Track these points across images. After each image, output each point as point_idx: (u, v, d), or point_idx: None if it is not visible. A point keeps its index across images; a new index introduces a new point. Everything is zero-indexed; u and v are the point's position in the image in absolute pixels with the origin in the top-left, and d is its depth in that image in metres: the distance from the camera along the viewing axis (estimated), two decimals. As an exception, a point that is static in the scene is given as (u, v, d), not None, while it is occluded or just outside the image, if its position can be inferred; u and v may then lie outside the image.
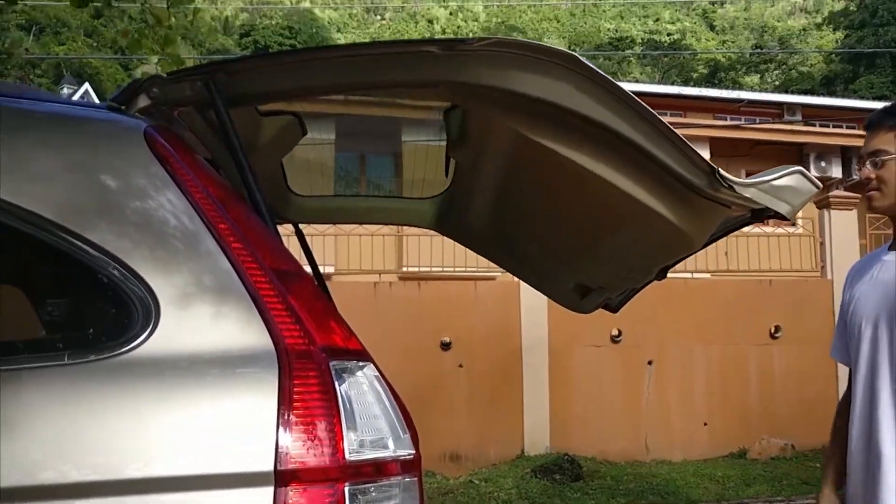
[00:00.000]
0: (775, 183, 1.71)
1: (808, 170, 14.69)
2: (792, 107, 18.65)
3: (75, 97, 25.60)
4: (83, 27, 32.09)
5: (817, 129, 16.38)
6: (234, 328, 1.16)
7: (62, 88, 26.25)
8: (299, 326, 1.18)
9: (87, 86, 26.18)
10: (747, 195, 1.69)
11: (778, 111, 18.49)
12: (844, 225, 9.32)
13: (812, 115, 18.23)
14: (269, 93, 1.68)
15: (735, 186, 1.67)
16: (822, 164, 14.88)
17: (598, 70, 1.55)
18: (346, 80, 1.63)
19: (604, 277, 2.50)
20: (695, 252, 2.06)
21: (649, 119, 1.59)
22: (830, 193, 10.72)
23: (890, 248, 1.87)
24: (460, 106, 1.95)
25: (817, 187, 1.80)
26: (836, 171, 14.82)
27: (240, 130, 1.54)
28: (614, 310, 2.80)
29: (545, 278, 2.77)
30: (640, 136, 1.61)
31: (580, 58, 1.52)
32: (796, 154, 15.26)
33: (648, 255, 2.16)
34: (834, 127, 16.89)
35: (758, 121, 16.65)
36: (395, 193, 2.96)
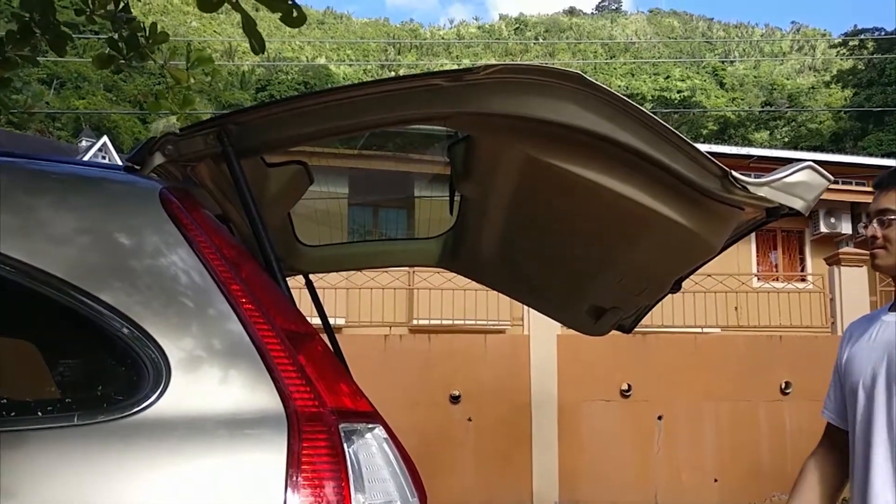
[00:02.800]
0: (787, 180, 1.72)
1: (818, 226, 14.69)
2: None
3: (93, 150, 26.09)
4: (103, 82, 32.90)
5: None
6: (244, 390, 1.16)
7: (81, 141, 26.77)
8: (309, 388, 1.18)
9: (105, 138, 26.70)
10: (761, 194, 1.70)
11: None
12: (854, 281, 9.33)
13: (821, 171, 18.35)
14: (280, 139, 1.69)
15: (749, 187, 1.68)
16: (832, 220, 14.94)
17: (603, 86, 1.57)
18: (357, 120, 1.64)
19: (618, 296, 2.47)
20: (711, 258, 2.04)
21: (657, 129, 1.61)
22: (840, 250, 10.75)
23: (891, 309, 1.89)
24: (470, 136, 1.96)
25: (829, 180, 1.81)
26: (846, 228, 14.86)
27: (249, 182, 1.56)
28: (628, 330, 2.78)
29: (558, 304, 2.76)
30: (648, 146, 1.62)
31: (584, 76, 1.54)
32: (805, 210, 15.32)
33: (665, 265, 2.14)
34: (843, 183, 16.98)
35: (767, 177, 16.77)
36: (401, 236, 2.98)
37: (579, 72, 1.55)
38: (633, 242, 2.02)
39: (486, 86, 1.55)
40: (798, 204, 1.75)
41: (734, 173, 1.67)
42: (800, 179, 1.74)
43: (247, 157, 1.66)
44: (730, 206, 1.76)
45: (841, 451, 1.98)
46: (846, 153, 25.27)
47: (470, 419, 8.19)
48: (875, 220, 1.84)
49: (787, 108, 42.28)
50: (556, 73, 1.55)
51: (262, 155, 1.85)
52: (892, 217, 1.81)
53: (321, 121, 1.63)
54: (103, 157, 26.14)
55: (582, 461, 8.58)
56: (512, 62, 1.57)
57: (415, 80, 1.59)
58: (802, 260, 15.79)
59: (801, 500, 1.98)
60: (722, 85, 51.64)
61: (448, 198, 2.38)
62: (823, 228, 14.97)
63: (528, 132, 1.69)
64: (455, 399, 8.36)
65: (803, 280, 13.68)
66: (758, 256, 15.54)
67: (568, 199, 1.93)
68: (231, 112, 1.63)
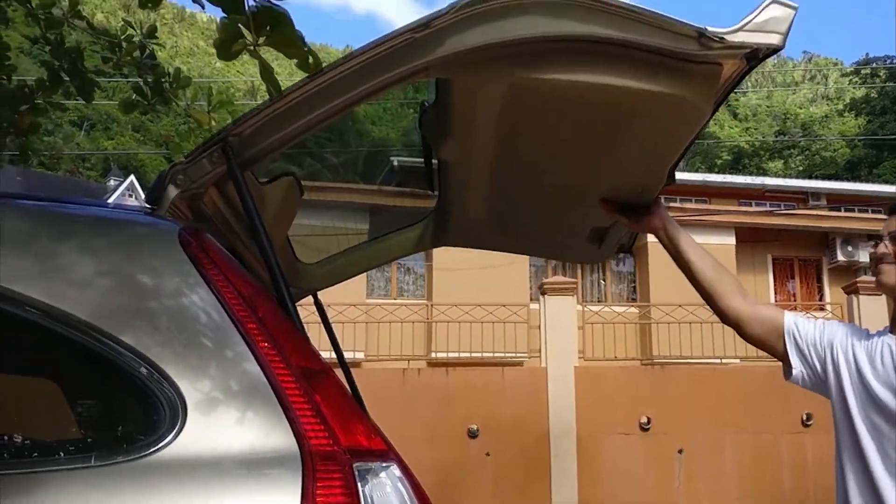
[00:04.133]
0: (758, 20, 1.74)
1: (835, 255, 14.58)
2: (816, 192, 18.75)
3: (121, 189, 26.56)
4: (131, 123, 33.55)
5: (842, 213, 16.43)
6: (260, 430, 1.18)
7: (109, 180, 27.29)
8: (324, 427, 1.19)
9: (132, 178, 27.20)
10: (738, 40, 1.72)
11: (802, 197, 18.59)
12: (873, 309, 9.28)
13: (837, 200, 18.30)
14: (279, 138, 1.72)
15: (726, 37, 1.70)
16: (849, 248, 14.88)
17: None
18: (345, 97, 1.66)
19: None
20: (705, 123, 2.04)
21: (627, 13, 1.65)
22: (858, 279, 10.69)
23: (891, 332, 1.90)
24: (441, 93, 1.97)
25: (794, 7, 1.81)
26: (864, 256, 14.79)
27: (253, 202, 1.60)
28: (628, 248, 2.77)
29: (560, 241, 2.76)
30: (623, 31, 1.66)
31: None
32: (822, 239, 15.28)
33: (660, 148, 2.12)
34: (859, 212, 16.94)
35: (782, 206, 16.77)
36: (390, 229, 2.98)
37: None
38: (623, 136, 2.02)
39: (457, 24, 1.58)
40: (775, 39, 1.76)
41: (709, 29, 1.70)
42: (769, 15, 1.76)
43: (250, 166, 1.70)
44: (711, 64, 1.79)
45: (743, 315, 2.03)
46: (862, 181, 25.19)
47: (488, 454, 8.18)
48: (888, 239, 1.88)
49: (801, 136, 42.28)
50: None
51: (266, 158, 1.86)
52: None
53: (311, 107, 1.66)
54: (130, 196, 26.59)
55: (602, 496, 8.52)
56: None
57: (387, 41, 1.60)
58: (820, 289, 15.70)
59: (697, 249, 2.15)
60: (735, 115, 51.74)
61: (427, 175, 2.42)
62: (841, 257, 14.91)
63: (506, 56, 1.71)
64: (473, 433, 8.35)
65: (822, 309, 13.60)
66: (775, 285, 15.47)
67: (552, 116, 1.95)
68: (227, 126, 1.64)
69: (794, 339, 1.99)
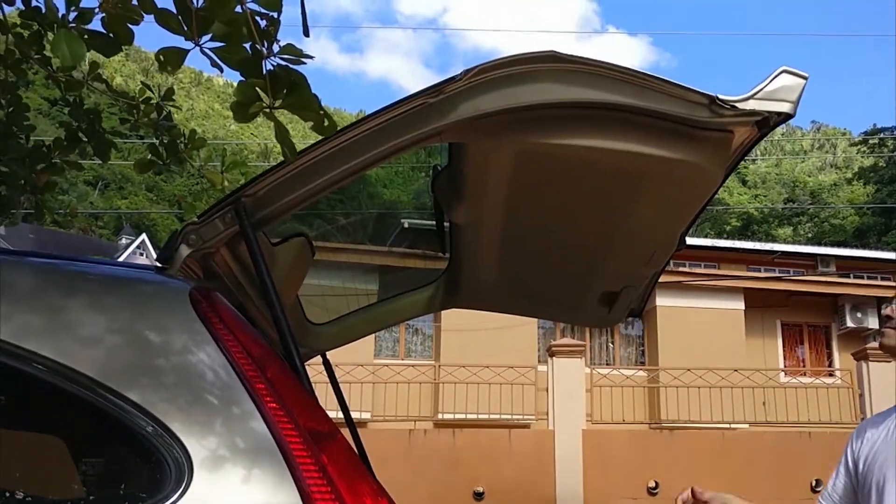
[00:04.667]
0: (769, 88, 1.75)
1: (845, 321, 14.48)
2: (825, 258, 18.74)
3: (132, 247, 26.82)
4: (145, 182, 34.05)
5: (852, 280, 16.39)
6: (266, 490, 1.17)
7: (121, 239, 27.59)
8: (330, 488, 1.19)
9: (144, 236, 27.51)
10: (749, 108, 1.72)
11: (812, 263, 18.58)
12: (883, 376, 9.22)
13: (846, 266, 18.28)
14: (291, 199, 1.73)
15: (738, 104, 1.71)
16: (858, 314, 14.81)
17: (579, 56, 1.63)
18: (358, 161, 1.68)
19: (628, 272, 2.44)
20: (716, 189, 2.04)
21: (638, 80, 1.66)
22: (868, 346, 10.63)
23: None
24: (453, 160, 2.00)
25: (804, 77, 1.82)
26: (873, 322, 14.70)
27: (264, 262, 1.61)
28: (638, 313, 2.74)
29: (571, 304, 2.75)
30: (635, 98, 1.67)
31: (558, 52, 1.61)
32: (831, 305, 15.22)
33: (671, 215, 2.13)
34: (868, 278, 16.91)
35: (791, 272, 16.77)
36: (402, 290, 2.97)
37: (553, 49, 1.61)
38: (636, 201, 2.02)
39: (469, 90, 1.60)
40: (786, 106, 1.77)
41: (720, 96, 1.71)
42: (780, 84, 1.76)
43: (262, 226, 1.72)
44: (722, 132, 1.80)
45: None
46: (870, 248, 25.18)
47: (494, 517, 8.05)
48: (893, 305, 1.92)
49: (810, 204, 42.44)
50: (532, 57, 1.61)
51: (279, 218, 1.86)
52: None
53: (324, 170, 1.68)
54: (141, 254, 26.81)
55: (610, 562, 8.34)
56: (489, 61, 1.63)
57: (401, 105, 1.62)
58: (830, 355, 15.57)
59: None
60: (744, 183, 52.06)
61: (438, 238, 2.43)
62: (850, 323, 14.82)
63: (519, 121, 1.73)
64: (479, 496, 8.25)
65: (831, 375, 13.47)
66: (785, 351, 15.36)
67: (563, 179, 1.97)
68: (240, 186, 1.66)
69: (830, 500, 2.03)
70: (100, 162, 4.15)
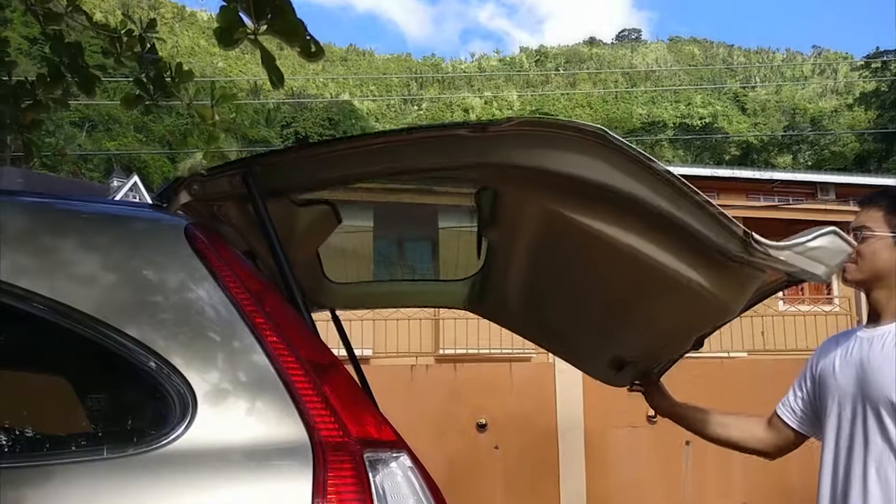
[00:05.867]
0: (810, 244, 1.68)
1: (844, 248, 14.64)
2: (825, 186, 18.64)
3: (124, 189, 26.64)
4: (133, 123, 33.64)
5: (852, 207, 16.35)
6: (270, 421, 1.18)
7: (112, 181, 27.37)
8: (334, 418, 1.20)
9: (135, 178, 27.26)
10: (782, 258, 1.66)
11: (811, 191, 18.49)
12: (882, 302, 9.22)
13: (846, 194, 18.18)
14: (304, 183, 1.71)
15: (770, 250, 1.65)
16: (858, 242, 14.79)
17: (626, 143, 1.55)
18: (381, 168, 1.64)
19: (639, 349, 2.42)
20: (732, 319, 2.01)
21: (679, 187, 1.59)
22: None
23: (867, 325, 1.93)
24: (492, 187, 1.95)
25: (852, 246, 1.78)
26: (873, 249, 14.70)
27: (276, 221, 1.57)
28: (639, 389, 2.75)
29: (580, 353, 2.73)
30: (671, 205, 1.60)
31: (608, 132, 1.53)
32: (832, 233, 15.18)
33: (684, 323, 2.10)
34: (869, 205, 16.83)
35: (791, 200, 16.69)
36: (430, 277, 2.94)
37: (603, 128, 1.54)
38: (651, 298, 1.99)
39: (509, 137, 1.54)
40: (820, 270, 1.70)
41: (755, 236, 1.64)
42: (821, 244, 1.69)
43: (272, 198, 1.66)
44: (751, 269, 1.73)
45: (773, 435, 2.16)
46: (871, 175, 25.05)
47: (497, 447, 8.16)
48: (852, 234, 1.89)
49: (810, 131, 42.07)
50: (578, 127, 1.54)
51: (287, 196, 1.84)
52: (868, 234, 1.87)
53: (347, 166, 1.63)
54: (134, 197, 26.63)
55: (609, 488, 8.50)
56: (536, 116, 1.59)
57: (439, 129, 1.61)
58: (829, 283, 15.62)
59: (694, 408, 2.28)
60: (744, 110, 51.51)
61: (476, 241, 2.37)
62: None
63: (550, 186, 1.68)
64: (482, 427, 8.35)
65: (830, 303, 13.54)
66: (784, 280, 15.38)
67: (588, 253, 1.91)
68: (257, 155, 1.63)
69: (790, 409, 2.13)
70: (86, 101, 4.03)
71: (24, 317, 1.23)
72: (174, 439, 1.15)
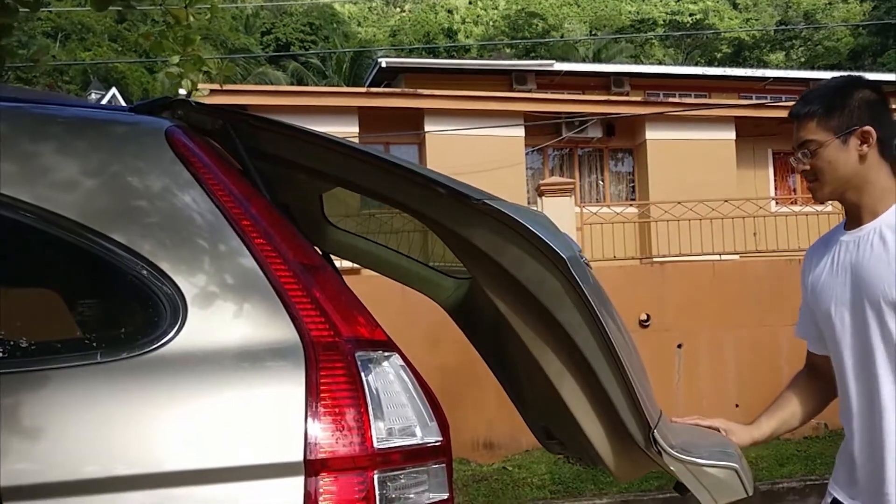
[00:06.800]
0: (706, 469, 1.60)
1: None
2: (818, 82, 18.34)
3: (103, 101, 26.04)
4: (107, 32, 32.49)
5: (845, 104, 16.11)
6: (260, 323, 1.19)
7: (90, 94, 26.65)
8: (324, 319, 1.20)
9: (114, 90, 26.53)
10: (672, 468, 1.59)
11: (805, 87, 18.19)
12: (875, 201, 9.17)
13: (840, 90, 17.93)
14: (284, 160, 1.64)
15: (664, 454, 1.56)
16: (852, 140, 14.65)
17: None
18: (361, 182, 1.58)
19: (563, 433, 2.26)
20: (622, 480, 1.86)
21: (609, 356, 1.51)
22: (860, 170, 10.56)
23: (846, 227, 1.85)
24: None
25: (747, 493, 1.71)
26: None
27: (265, 171, 1.51)
28: (587, 466, 2.60)
29: (529, 406, 2.53)
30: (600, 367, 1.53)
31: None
32: (824, 131, 15.02)
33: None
34: (862, 102, 16.60)
35: (784, 99, 16.42)
36: (425, 261, 2.76)
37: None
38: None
39: (479, 214, 1.46)
40: (704, 497, 1.61)
41: (656, 434, 1.56)
42: (717, 476, 1.60)
43: (259, 157, 1.58)
44: (646, 456, 1.64)
45: (822, 375, 2.00)
46: (865, 70, 24.66)
47: (490, 355, 8.22)
48: (800, 154, 1.82)
49: (803, 26, 41.16)
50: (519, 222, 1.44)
51: (264, 161, 1.74)
52: (814, 147, 1.78)
53: (325, 163, 1.57)
54: (112, 110, 25.94)
55: (603, 392, 8.63)
56: (506, 207, 1.44)
57: (418, 175, 1.49)
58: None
59: (774, 417, 2.07)
60: (735, 6, 50.18)
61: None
62: (843, 149, 14.68)
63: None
64: (474, 337, 8.38)
65: (823, 202, 13.50)
66: (776, 180, 15.32)
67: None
68: (250, 115, 1.58)
69: (816, 339, 2.00)
70: (57, 10, 3.76)
71: (9, 224, 1.23)
72: (166, 343, 1.16)
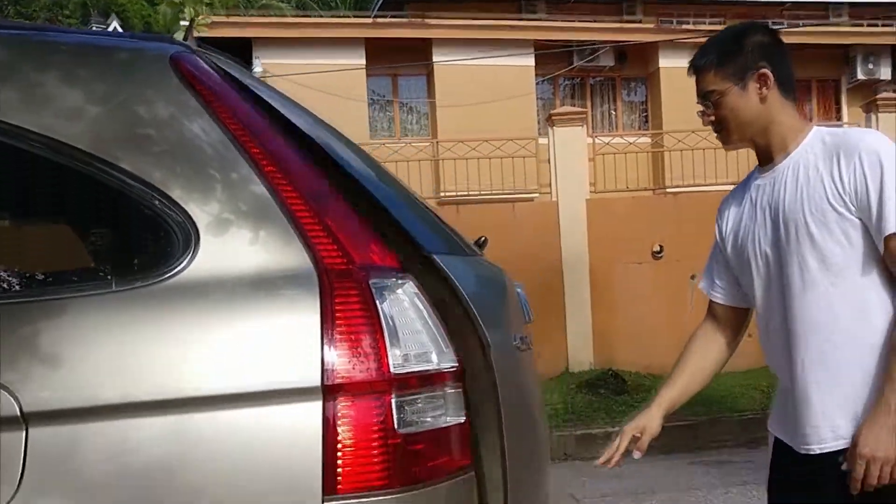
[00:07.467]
0: None
1: (855, 73, 14.10)
2: (837, 6, 17.83)
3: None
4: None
5: (865, 28, 15.69)
6: (273, 251, 1.19)
7: (91, 26, 26.23)
8: (337, 246, 1.20)
9: (115, 22, 26.09)
10: None
11: (823, 12, 17.72)
12: (892, 126, 9.02)
13: (859, 14, 17.43)
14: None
15: None
16: (870, 65, 14.26)
17: None
18: None
19: None
20: None
21: None
22: (878, 96, 10.34)
23: (760, 172, 1.85)
24: None
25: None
26: (885, 73, 14.22)
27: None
28: None
29: None
30: None
31: None
32: (842, 57, 14.67)
33: None
34: (883, 25, 16.16)
35: (801, 25, 16.00)
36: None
37: None
38: None
39: None
40: None
41: None
42: None
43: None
44: None
45: (724, 328, 2.01)
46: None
47: (502, 287, 8.23)
48: (703, 106, 1.83)
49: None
50: None
51: None
52: (716, 97, 1.79)
53: None
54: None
55: (615, 324, 8.68)
56: None
57: None
58: (839, 109, 15.27)
59: (676, 387, 2.00)
60: (753, -73, 48.72)
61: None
62: (861, 76, 14.31)
63: None
64: (486, 268, 8.39)
65: (838, 121, 13.29)
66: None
67: None
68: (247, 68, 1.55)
69: (722, 290, 1.99)
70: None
71: (18, 154, 1.23)
72: (180, 271, 1.17)
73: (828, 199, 1.69)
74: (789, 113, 1.80)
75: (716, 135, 1.86)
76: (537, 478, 1.70)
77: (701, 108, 1.84)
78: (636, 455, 1.91)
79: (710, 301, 2.03)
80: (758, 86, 1.77)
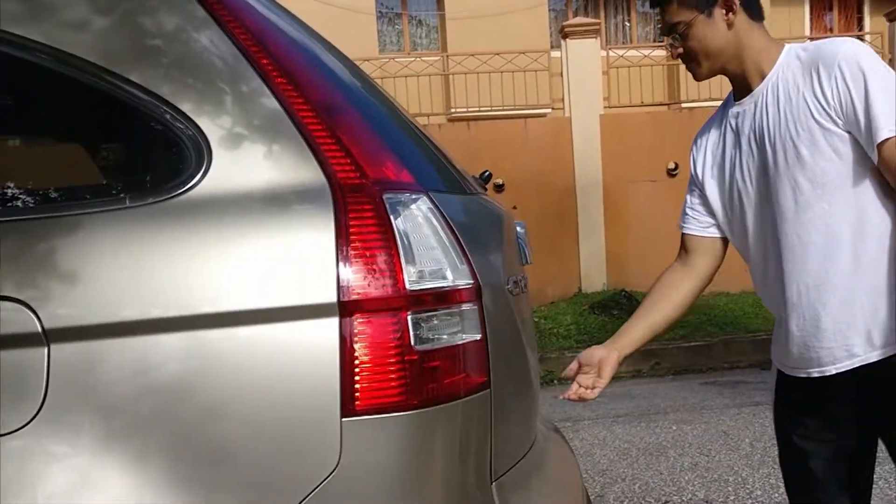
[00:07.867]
0: None
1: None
2: None
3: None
4: None
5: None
6: (286, 165, 1.17)
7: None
8: (350, 160, 1.18)
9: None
10: None
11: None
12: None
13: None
14: None
15: None
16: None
17: None
18: None
19: None
20: None
21: None
22: (904, 5, 9.98)
23: (735, 100, 1.81)
24: None
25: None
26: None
27: None
28: None
29: None
30: None
31: None
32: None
33: None
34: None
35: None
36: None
37: None
38: None
39: None
40: None
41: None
42: None
43: None
44: None
45: (697, 263, 1.99)
46: None
47: (515, 207, 8.20)
48: (671, 39, 1.78)
49: None
50: None
51: None
52: (682, 29, 1.74)
53: None
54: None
55: (629, 244, 8.67)
56: None
57: None
58: (861, 20, 14.79)
59: (640, 325, 1.96)
60: None
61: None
62: (883, -17, 13.84)
63: None
64: (499, 188, 8.34)
65: (861, 39, 12.90)
66: (812, 19, 14.60)
67: None
68: None
69: (697, 221, 1.96)
70: None
71: (25, 65, 1.21)
72: (193, 186, 1.15)
73: (813, 116, 1.63)
74: (759, 36, 1.74)
75: (687, 67, 1.80)
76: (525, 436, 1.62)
77: (669, 41, 1.79)
78: (589, 396, 1.86)
79: (683, 234, 2.01)
80: (723, 11, 1.71)
